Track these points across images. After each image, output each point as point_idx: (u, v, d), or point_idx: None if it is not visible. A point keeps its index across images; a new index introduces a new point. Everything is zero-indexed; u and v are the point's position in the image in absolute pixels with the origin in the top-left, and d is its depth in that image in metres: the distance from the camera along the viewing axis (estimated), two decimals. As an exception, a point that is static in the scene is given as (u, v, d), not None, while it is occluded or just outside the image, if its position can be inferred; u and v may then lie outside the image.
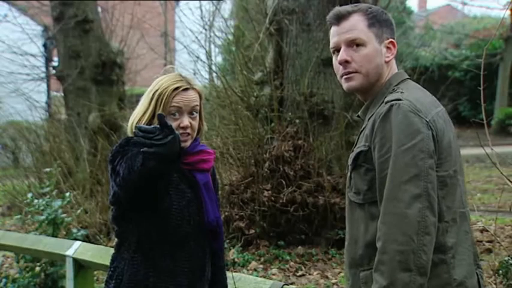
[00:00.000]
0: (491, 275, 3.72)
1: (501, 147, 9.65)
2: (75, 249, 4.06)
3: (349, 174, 1.93)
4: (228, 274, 2.55)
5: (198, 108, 2.26)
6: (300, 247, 5.63)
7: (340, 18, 1.92)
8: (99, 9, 10.96)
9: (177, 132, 1.94)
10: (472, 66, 13.45)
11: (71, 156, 8.53)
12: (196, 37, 7.97)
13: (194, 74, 7.64)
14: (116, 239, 2.33)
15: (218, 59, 12.59)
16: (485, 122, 3.55)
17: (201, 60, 7.89)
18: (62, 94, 10.35)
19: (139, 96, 2.42)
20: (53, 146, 8.91)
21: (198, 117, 2.28)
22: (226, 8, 12.84)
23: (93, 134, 8.86)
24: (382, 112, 1.76)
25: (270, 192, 5.66)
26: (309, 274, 5.21)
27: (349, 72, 1.91)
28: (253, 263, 5.36)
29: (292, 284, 4.78)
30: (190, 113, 2.23)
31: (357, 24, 1.90)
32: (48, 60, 12.65)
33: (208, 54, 8.24)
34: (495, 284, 3.70)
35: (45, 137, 9.39)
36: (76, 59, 9.57)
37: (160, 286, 2.21)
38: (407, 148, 1.70)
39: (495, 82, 18.79)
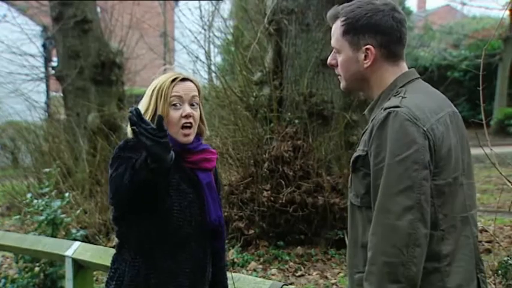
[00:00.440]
0: (490, 275, 3.72)
1: (500, 147, 9.65)
2: (74, 249, 4.05)
3: (350, 175, 1.93)
4: (228, 274, 2.55)
5: (197, 99, 2.29)
6: (299, 247, 5.63)
7: (332, 20, 1.95)
8: (98, 9, 10.96)
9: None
10: (471, 66, 13.44)
11: (70, 156, 8.53)
12: (196, 37, 7.98)
13: (193, 74, 7.64)
14: (117, 240, 2.33)
15: (217, 59, 12.59)
16: (484, 122, 3.55)
17: (200, 60, 7.90)
18: (61, 94, 10.35)
19: (138, 96, 2.43)
20: (52, 146, 8.91)
21: (199, 110, 2.30)
22: (226, 8, 12.87)
23: (93, 134, 8.86)
24: (380, 119, 1.75)
25: (269, 192, 5.66)
26: (309, 274, 5.21)
27: (338, 75, 1.97)
28: (253, 263, 5.37)
29: (291, 284, 4.78)
30: (191, 104, 2.26)
31: (334, 31, 1.92)
32: (47, 60, 12.65)
33: (208, 55, 8.24)
34: (494, 284, 3.70)
35: (45, 137, 9.38)
36: (75, 59, 9.58)
37: (162, 287, 2.21)
38: (401, 159, 1.69)
39: (494, 82, 18.79)
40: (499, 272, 3.67)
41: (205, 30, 9.70)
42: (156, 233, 2.20)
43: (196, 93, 2.29)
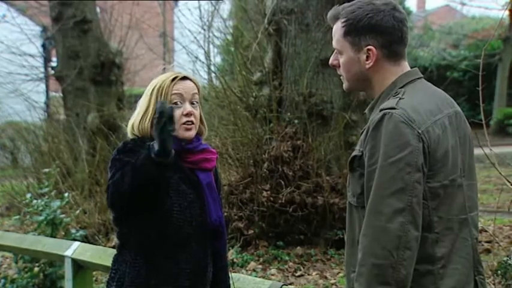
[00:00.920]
0: (489, 275, 3.72)
1: (500, 147, 9.67)
2: (74, 249, 4.05)
3: (348, 175, 1.93)
4: (229, 274, 2.55)
5: (197, 98, 2.30)
6: (298, 247, 5.63)
7: (332, 21, 1.95)
8: (98, 9, 10.97)
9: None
10: (471, 66, 13.45)
11: (70, 156, 8.52)
12: (195, 37, 7.97)
13: (193, 74, 7.63)
14: (117, 240, 2.33)
15: (217, 59, 12.58)
16: (484, 122, 3.55)
17: (200, 60, 7.89)
18: (61, 94, 10.35)
19: (138, 96, 2.43)
20: (51, 146, 8.90)
21: (199, 109, 2.31)
22: (225, 8, 12.86)
23: (92, 135, 8.86)
24: (375, 120, 1.75)
25: (269, 192, 5.66)
26: (308, 274, 5.21)
27: (340, 76, 1.97)
28: (252, 264, 5.37)
29: (291, 284, 4.78)
30: (191, 103, 2.27)
31: (335, 32, 1.92)
32: (46, 60, 12.64)
33: (207, 55, 8.23)
34: (494, 284, 3.70)
35: (44, 138, 9.38)
36: (75, 59, 9.58)
37: None
38: (394, 161, 1.69)
39: (494, 82, 18.81)
40: (499, 272, 3.68)
41: (204, 30, 9.69)
42: (157, 234, 2.20)
43: (197, 92, 2.30)
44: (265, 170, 5.76)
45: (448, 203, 1.78)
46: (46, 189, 5.61)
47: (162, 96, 2.22)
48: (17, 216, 6.37)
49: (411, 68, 1.94)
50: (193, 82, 2.31)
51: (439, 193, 1.76)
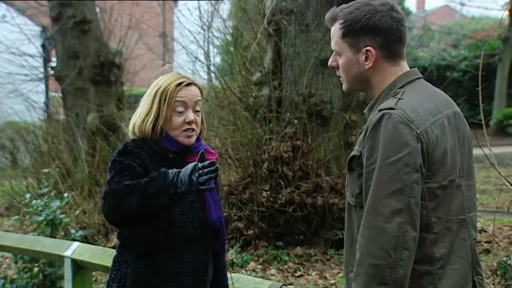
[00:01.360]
0: (489, 276, 3.72)
1: (499, 147, 9.68)
2: (73, 249, 4.05)
3: (347, 175, 1.93)
4: (227, 275, 2.56)
5: (200, 103, 2.31)
6: (298, 248, 5.63)
7: (330, 23, 1.95)
8: (98, 9, 10.97)
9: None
10: (470, 66, 13.46)
11: (69, 156, 8.52)
12: (195, 37, 7.97)
13: (193, 74, 7.64)
14: (117, 241, 2.32)
15: (217, 59, 12.59)
16: (483, 122, 3.55)
17: (200, 60, 7.89)
18: (61, 95, 10.35)
19: (137, 96, 2.43)
20: (51, 146, 8.91)
21: (201, 114, 2.30)
22: (225, 8, 12.88)
23: (92, 135, 8.85)
24: (374, 120, 1.75)
25: (268, 192, 5.66)
26: (308, 275, 5.21)
27: (339, 77, 1.96)
28: (252, 264, 5.36)
29: (290, 284, 4.78)
30: (194, 109, 2.27)
31: (334, 34, 1.92)
32: (46, 60, 12.64)
33: (207, 55, 8.24)
34: (493, 284, 3.70)
35: (44, 138, 9.38)
36: (74, 59, 9.57)
37: None
38: (393, 161, 1.69)
39: (493, 83, 18.80)
40: (498, 272, 3.68)
41: (204, 30, 9.70)
42: (159, 235, 2.20)
43: (200, 98, 2.30)
44: (264, 170, 5.76)
45: (447, 204, 1.78)
46: (46, 190, 5.61)
47: (166, 101, 2.22)
48: (17, 217, 6.37)
49: (410, 68, 1.93)
50: (198, 87, 2.30)
51: (438, 193, 1.76)
